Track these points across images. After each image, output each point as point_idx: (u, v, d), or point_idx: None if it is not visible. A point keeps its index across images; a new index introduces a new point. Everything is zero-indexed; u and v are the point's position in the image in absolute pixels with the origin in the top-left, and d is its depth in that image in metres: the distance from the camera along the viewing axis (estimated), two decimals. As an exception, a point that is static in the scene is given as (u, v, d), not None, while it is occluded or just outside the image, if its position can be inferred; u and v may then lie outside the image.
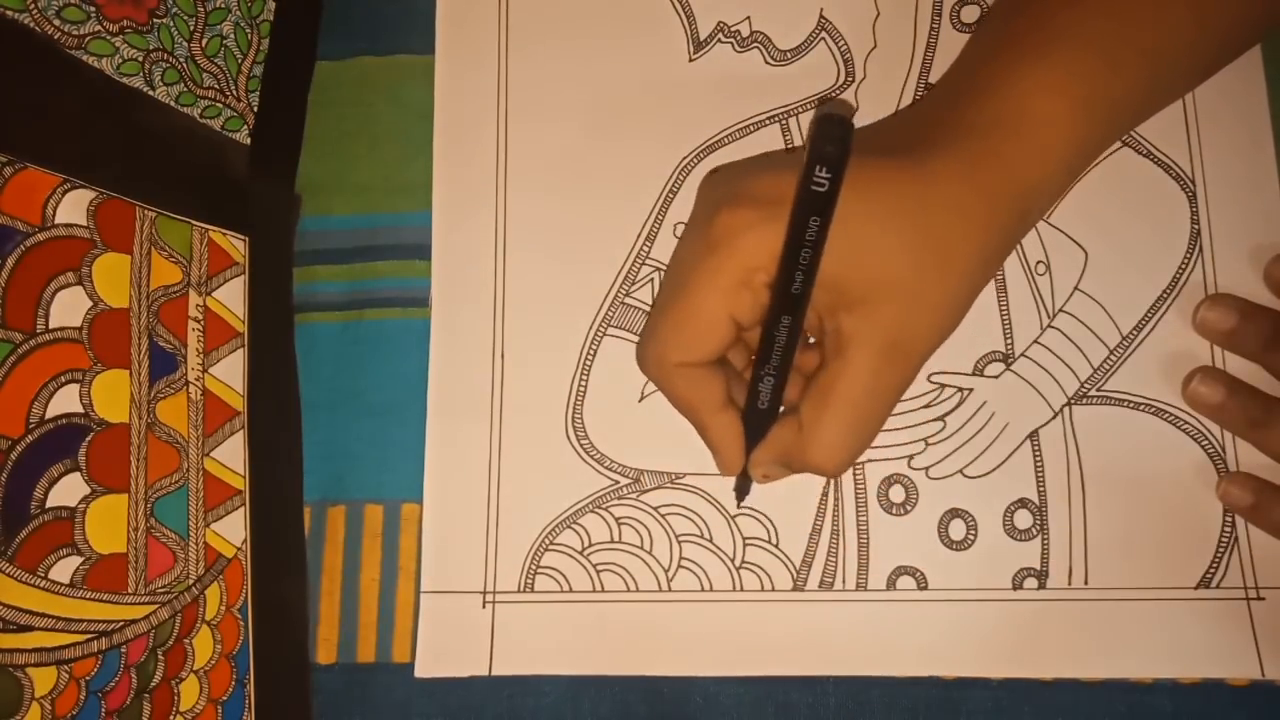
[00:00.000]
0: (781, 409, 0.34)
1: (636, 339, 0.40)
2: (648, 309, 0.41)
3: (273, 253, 0.43)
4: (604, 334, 0.41)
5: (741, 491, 0.37)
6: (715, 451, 0.35)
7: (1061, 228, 0.40)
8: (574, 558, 0.39)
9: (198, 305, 0.39)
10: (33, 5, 0.33)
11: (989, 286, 0.40)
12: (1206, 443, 0.38)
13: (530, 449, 0.40)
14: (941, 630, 0.38)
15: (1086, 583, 0.37)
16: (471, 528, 0.40)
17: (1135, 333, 0.39)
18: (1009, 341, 0.39)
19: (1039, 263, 0.39)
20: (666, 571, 0.39)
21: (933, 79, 0.41)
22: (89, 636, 0.32)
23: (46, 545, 0.31)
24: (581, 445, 0.40)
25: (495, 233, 0.42)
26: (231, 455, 0.40)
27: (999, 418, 0.39)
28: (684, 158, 0.42)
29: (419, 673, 0.39)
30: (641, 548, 0.39)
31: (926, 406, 0.39)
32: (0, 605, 0.29)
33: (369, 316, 0.42)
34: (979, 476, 0.39)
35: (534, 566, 0.39)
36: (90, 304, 0.34)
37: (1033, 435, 0.39)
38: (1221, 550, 0.37)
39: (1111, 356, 0.39)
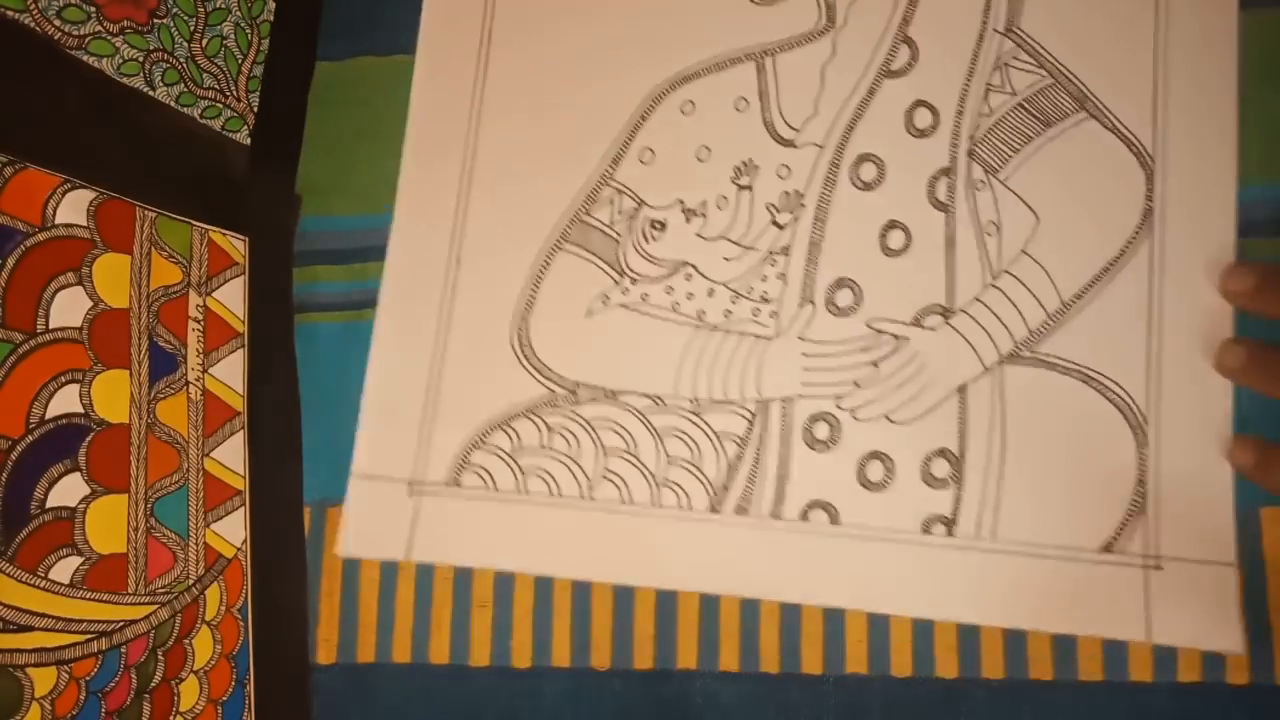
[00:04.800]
0: None
1: (596, 259, 0.41)
2: (605, 227, 0.41)
3: (273, 253, 0.43)
4: (559, 249, 0.42)
5: None
6: None
7: (1017, 191, 0.40)
8: (502, 458, 0.40)
9: (198, 305, 0.39)
10: (33, 5, 0.33)
11: (938, 241, 0.40)
12: (1129, 412, 0.38)
13: (474, 351, 0.41)
14: (848, 564, 0.38)
15: (994, 536, 0.38)
16: (407, 419, 0.41)
17: (1075, 300, 0.39)
18: (950, 296, 0.39)
19: (990, 222, 0.40)
20: (590, 481, 0.40)
21: (911, 32, 0.41)
22: (89, 637, 0.32)
23: (46, 545, 0.31)
24: (524, 354, 0.41)
25: (465, 139, 0.43)
26: (231, 455, 0.40)
27: (930, 368, 0.39)
28: (659, 86, 0.42)
29: (339, 552, 0.40)
30: (569, 456, 0.40)
31: (862, 350, 0.39)
32: (0, 605, 0.29)
33: (369, 317, 0.42)
34: (903, 423, 0.39)
35: (463, 463, 0.40)
36: (90, 304, 0.34)
37: (961, 389, 0.39)
38: (1129, 518, 0.37)
39: (1049, 321, 0.39)
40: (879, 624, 0.38)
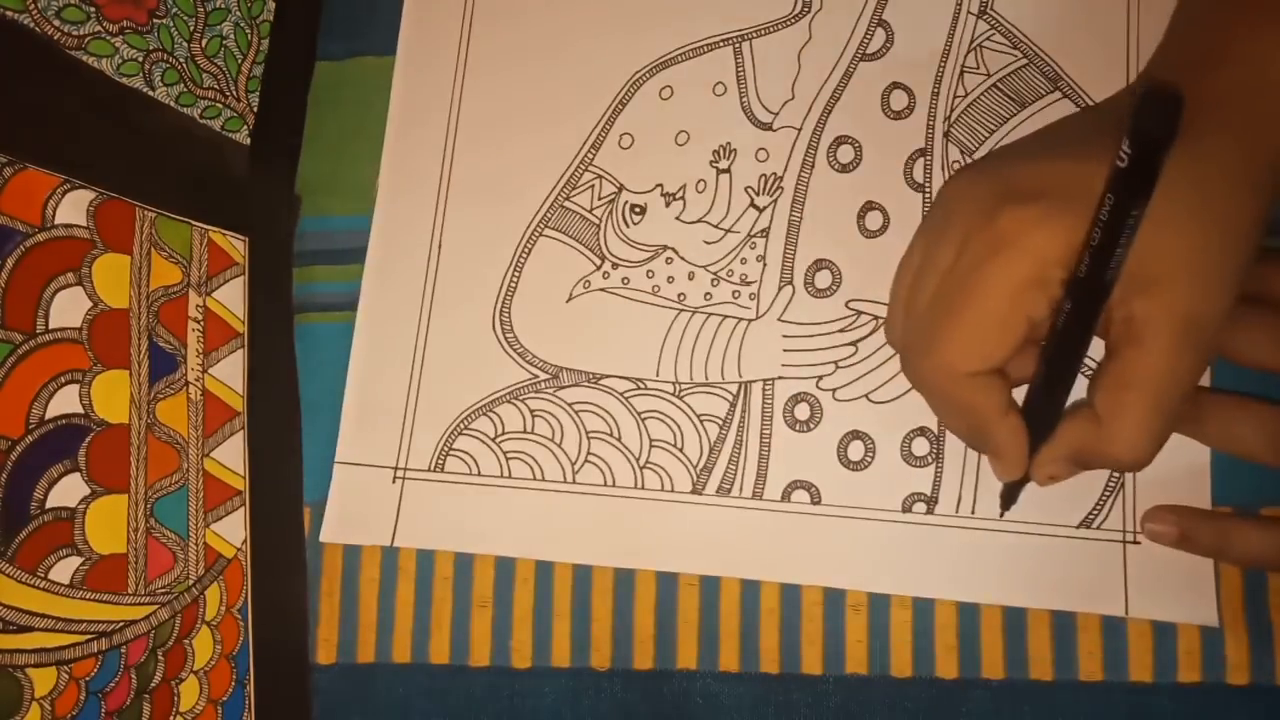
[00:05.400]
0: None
1: (577, 244, 0.42)
2: (585, 213, 0.42)
3: (273, 253, 0.43)
4: (540, 234, 0.42)
5: (1010, 499, 0.36)
6: (999, 456, 0.33)
7: None
8: (486, 443, 0.41)
9: (198, 305, 0.39)
10: (33, 5, 0.33)
11: (915, 221, 0.40)
12: None
13: (456, 337, 0.42)
14: (830, 544, 0.38)
15: (974, 512, 0.38)
16: (391, 405, 0.41)
17: None
18: None
19: None
20: (573, 464, 0.40)
21: (886, 15, 0.41)
22: (89, 637, 0.32)
23: (46, 545, 0.31)
24: (506, 339, 0.41)
25: (447, 126, 0.43)
26: (231, 455, 0.40)
27: None
28: (637, 71, 0.43)
29: (324, 538, 0.41)
30: (552, 440, 0.40)
31: (841, 331, 0.40)
32: (0, 605, 0.29)
33: (369, 316, 0.42)
34: (883, 402, 0.39)
35: (446, 448, 0.41)
36: (90, 304, 0.34)
37: None
38: (1107, 494, 0.38)
39: None
40: (879, 624, 0.38)
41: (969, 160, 0.40)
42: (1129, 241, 0.27)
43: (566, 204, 0.42)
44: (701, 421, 0.40)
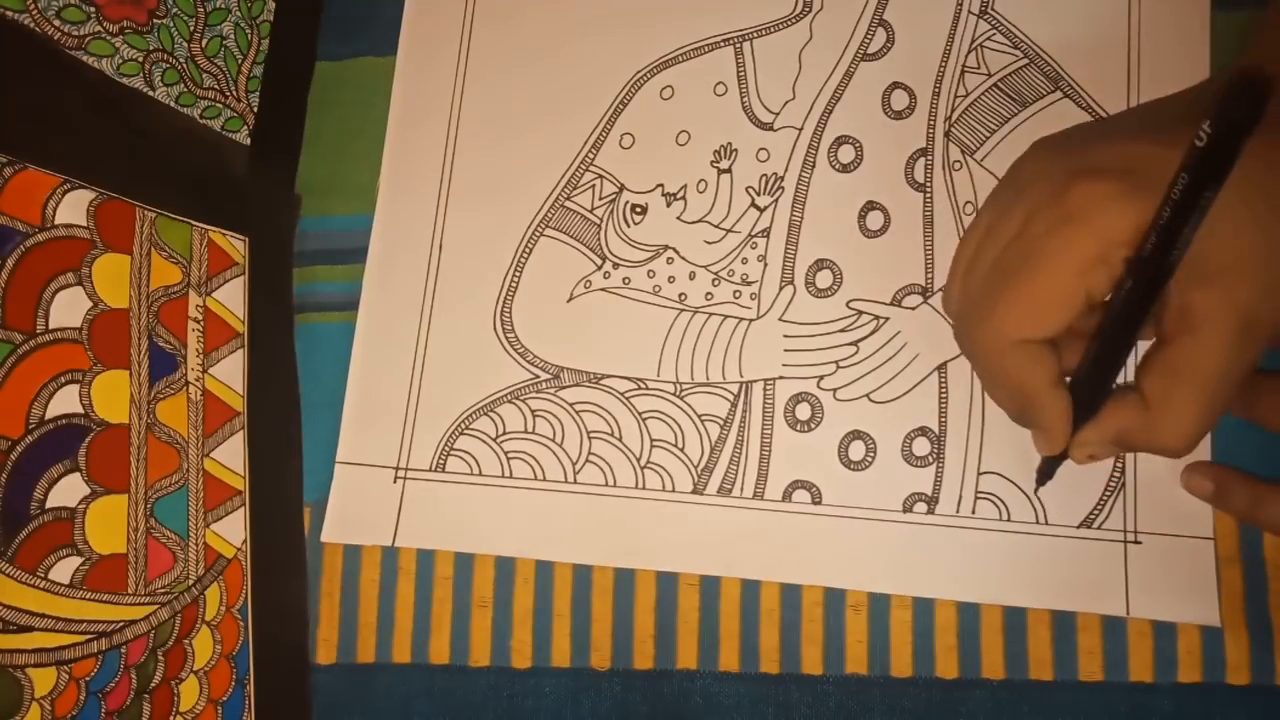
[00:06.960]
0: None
1: (578, 244, 0.42)
2: (586, 212, 0.42)
3: (273, 253, 0.43)
4: (541, 234, 0.42)
5: (1047, 473, 0.36)
6: (1043, 429, 0.33)
7: (994, 171, 0.40)
8: (487, 443, 0.41)
9: (198, 305, 0.39)
10: (33, 5, 0.33)
11: (916, 221, 0.40)
12: None
13: (457, 337, 0.42)
14: (831, 544, 0.39)
15: (974, 512, 0.38)
16: (392, 405, 0.41)
17: None
18: (929, 276, 0.40)
19: (967, 203, 0.40)
20: (574, 464, 0.40)
21: (887, 15, 0.42)
22: (89, 637, 0.32)
23: (46, 546, 0.31)
24: (507, 338, 0.41)
25: (447, 126, 0.43)
26: (231, 455, 0.40)
27: (910, 348, 0.40)
28: (638, 72, 0.43)
29: (324, 538, 0.41)
30: (553, 439, 0.40)
31: (842, 331, 0.40)
32: (0, 605, 0.29)
33: (369, 316, 0.42)
34: (884, 402, 0.39)
35: (448, 448, 0.41)
36: (90, 304, 0.34)
37: (941, 368, 0.39)
38: (1108, 494, 0.38)
39: None
40: (879, 624, 0.38)
41: (970, 159, 0.40)
42: (1197, 223, 0.27)
43: (567, 204, 0.42)
44: (702, 421, 0.40)
